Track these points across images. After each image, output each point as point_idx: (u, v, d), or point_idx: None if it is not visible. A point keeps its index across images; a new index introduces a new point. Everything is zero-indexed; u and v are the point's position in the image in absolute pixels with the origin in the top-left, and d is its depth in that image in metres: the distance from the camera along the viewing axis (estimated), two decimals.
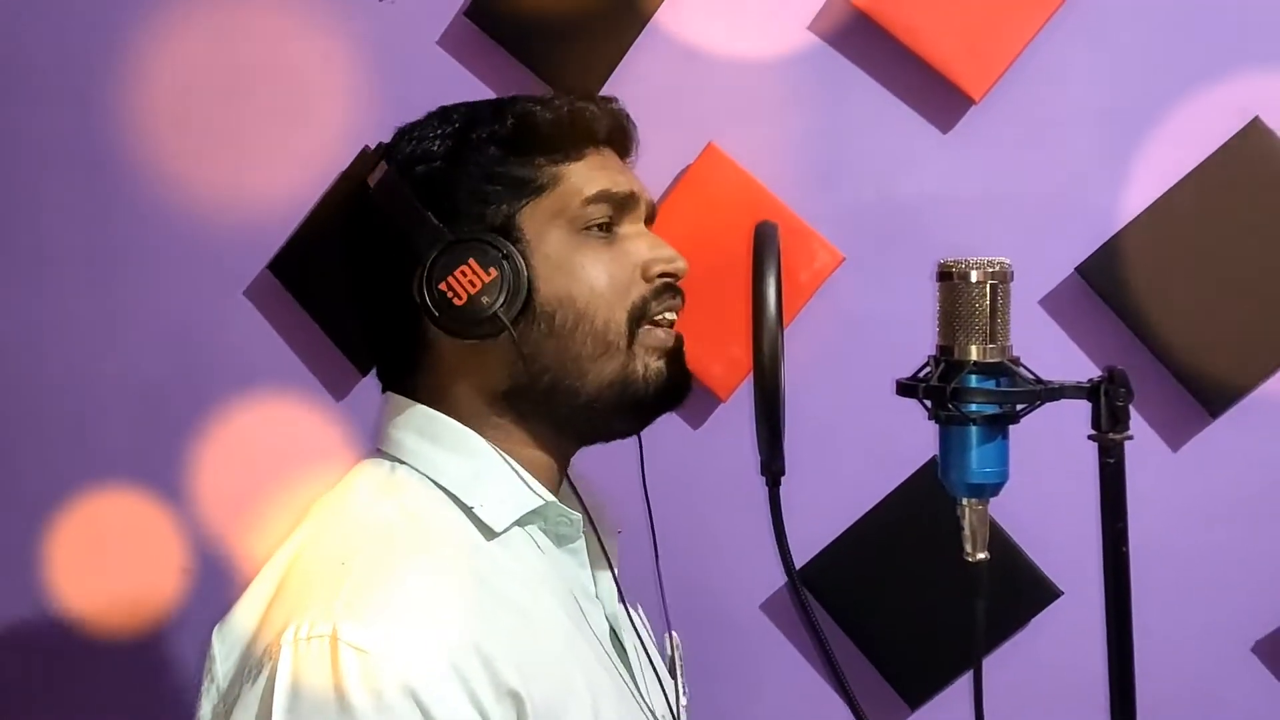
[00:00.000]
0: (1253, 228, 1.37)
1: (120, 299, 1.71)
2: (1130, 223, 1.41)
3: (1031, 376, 0.84)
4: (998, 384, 0.82)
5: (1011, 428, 0.84)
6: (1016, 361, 0.84)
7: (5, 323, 1.74)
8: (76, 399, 1.73)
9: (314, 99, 1.63)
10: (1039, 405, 0.83)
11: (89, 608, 1.73)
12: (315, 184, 1.62)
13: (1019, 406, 0.83)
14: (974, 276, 0.82)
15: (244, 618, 0.81)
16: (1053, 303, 1.45)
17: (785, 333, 1.47)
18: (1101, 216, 1.42)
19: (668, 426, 1.53)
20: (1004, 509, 1.40)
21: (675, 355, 0.91)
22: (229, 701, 0.78)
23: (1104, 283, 1.41)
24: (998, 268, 0.82)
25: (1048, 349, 1.42)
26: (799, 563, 1.50)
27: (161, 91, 1.67)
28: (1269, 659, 1.42)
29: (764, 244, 0.77)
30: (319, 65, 1.62)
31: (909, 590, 1.47)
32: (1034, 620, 1.46)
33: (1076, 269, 1.43)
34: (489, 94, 1.58)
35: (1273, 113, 1.38)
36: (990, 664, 1.47)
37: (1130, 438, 0.84)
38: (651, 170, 1.49)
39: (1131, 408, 1.51)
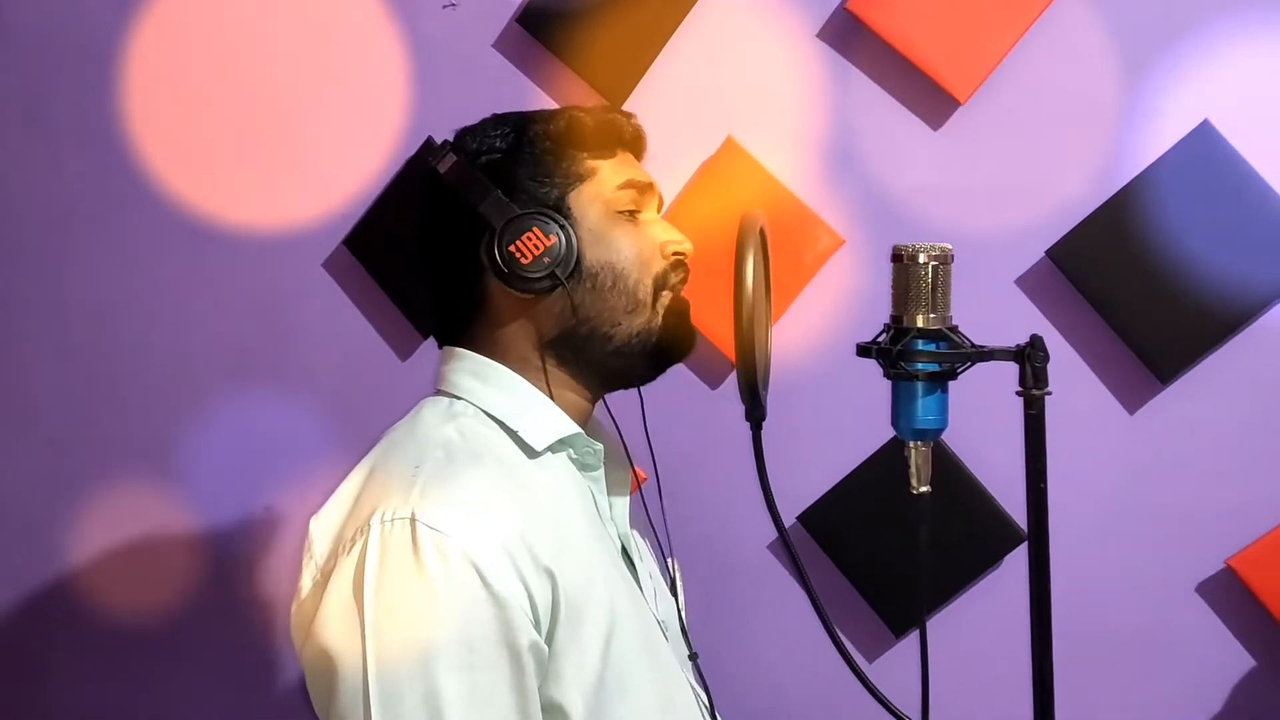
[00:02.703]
0: (1199, 218, 1.51)
1: (218, 270, 1.83)
2: (1094, 212, 1.54)
3: (967, 341, 0.96)
4: (938, 347, 0.95)
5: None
6: (955, 329, 0.96)
7: (119, 292, 1.86)
8: (179, 354, 1.85)
9: (384, 95, 1.73)
10: (972, 365, 0.96)
11: (181, 546, 1.86)
12: (386, 169, 1.74)
13: (956, 366, 0.95)
14: (920, 258, 0.95)
15: (335, 509, 0.98)
16: (1026, 281, 1.59)
17: (793, 307, 1.62)
18: (1070, 206, 1.55)
19: (689, 387, 1.70)
20: (979, 460, 1.58)
21: (684, 316, 1.07)
22: (326, 571, 0.94)
23: (1071, 264, 1.54)
24: (940, 251, 0.95)
25: (1020, 321, 1.57)
26: (801, 508, 1.66)
27: (261, 95, 1.80)
28: (1210, 598, 1.57)
29: (745, 232, 0.94)
30: (388, 64, 1.72)
31: (894, 532, 1.60)
32: (1005, 559, 1.61)
33: (1046, 252, 1.56)
34: (536, 90, 1.69)
35: (1220, 116, 1.51)
36: (967, 600, 1.63)
37: (1049, 393, 0.95)
38: (677, 159, 1.65)
39: (1093, 374, 1.69)
